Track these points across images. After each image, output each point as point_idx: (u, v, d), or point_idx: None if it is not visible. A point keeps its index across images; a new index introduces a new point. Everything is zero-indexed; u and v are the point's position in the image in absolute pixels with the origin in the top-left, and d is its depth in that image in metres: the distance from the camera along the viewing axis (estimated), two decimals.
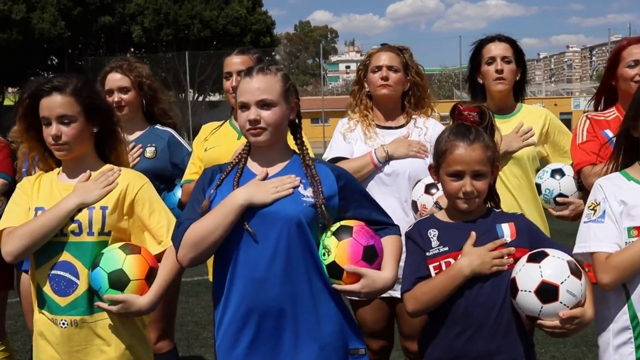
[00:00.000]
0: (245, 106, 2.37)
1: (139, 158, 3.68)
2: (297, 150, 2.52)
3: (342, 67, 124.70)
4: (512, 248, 2.35)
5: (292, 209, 2.35)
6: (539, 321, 2.27)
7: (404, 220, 3.15)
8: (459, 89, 65.44)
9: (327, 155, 3.43)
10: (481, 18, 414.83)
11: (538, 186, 3.37)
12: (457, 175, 2.35)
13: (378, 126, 3.47)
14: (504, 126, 3.47)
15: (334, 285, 2.40)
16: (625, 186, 2.40)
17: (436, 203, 3.14)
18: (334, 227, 2.41)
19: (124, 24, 53.55)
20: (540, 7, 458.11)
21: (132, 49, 58.45)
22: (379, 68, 3.39)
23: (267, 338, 2.33)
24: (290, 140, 2.56)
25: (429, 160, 3.35)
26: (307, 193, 2.39)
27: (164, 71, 56.76)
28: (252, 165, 2.49)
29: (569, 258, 2.33)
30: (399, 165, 3.32)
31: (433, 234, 2.42)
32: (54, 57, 53.87)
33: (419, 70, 3.56)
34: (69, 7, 50.49)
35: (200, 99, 55.47)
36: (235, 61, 3.54)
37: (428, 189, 3.22)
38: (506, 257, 2.34)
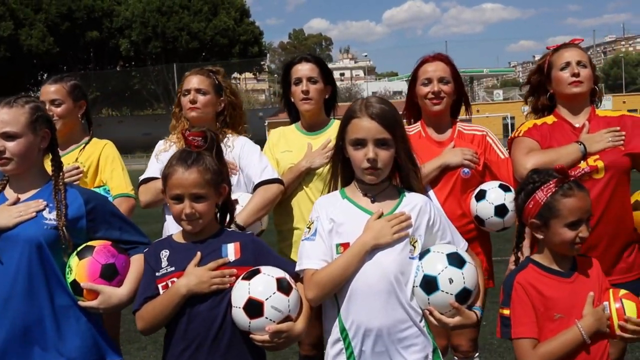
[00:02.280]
0: None
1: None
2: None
3: (336, 74, 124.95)
4: (234, 269, 2.43)
5: (32, 231, 2.49)
6: (250, 336, 2.38)
7: None
8: None
9: (141, 177, 3.56)
10: (478, 22, 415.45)
11: None
12: (178, 199, 2.45)
13: None
14: (315, 142, 3.62)
15: (79, 302, 2.57)
16: (337, 204, 2.49)
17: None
18: (80, 248, 2.58)
19: (112, 38, 53.93)
20: (537, 9, 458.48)
21: (122, 63, 58.83)
22: (188, 92, 3.54)
23: (17, 354, 2.50)
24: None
25: (238, 176, 3.51)
26: (51, 216, 2.53)
27: (154, 83, 57.15)
28: (8, 191, 2.67)
29: (281, 275, 2.41)
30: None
31: (165, 254, 2.51)
32: (43, 73, 54.25)
33: (234, 90, 3.70)
34: (57, 23, 50.88)
35: None
36: (49, 90, 3.65)
37: None
38: (228, 276, 2.42)
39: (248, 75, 71.62)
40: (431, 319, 2.42)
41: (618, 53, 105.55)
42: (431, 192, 3.33)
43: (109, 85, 56.83)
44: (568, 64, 3.23)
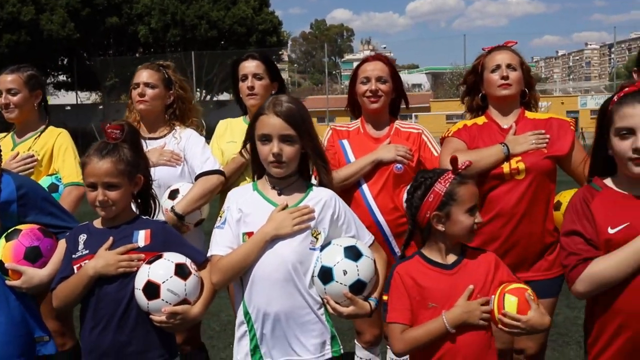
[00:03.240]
0: None
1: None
2: None
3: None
4: (142, 254, 2.61)
5: None
6: (150, 316, 2.56)
7: None
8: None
9: None
10: (502, 15, 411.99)
11: None
12: (92, 186, 2.63)
13: (142, 137, 3.78)
14: None
15: (6, 281, 2.76)
16: (247, 195, 2.66)
17: (172, 208, 3.45)
18: (9, 231, 2.77)
19: (131, 24, 54.20)
20: (563, 4, 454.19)
21: (141, 49, 59.14)
22: (137, 85, 3.70)
23: None
24: None
25: (183, 167, 3.67)
26: None
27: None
28: None
29: (181, 261, 2.58)
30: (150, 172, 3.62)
31: (82, 238, 2.69)
32: (63, 58, 54.75)
33: (183, 84, 3.86)
34: (77, 9, 51.20)
35: (208, 98, 55.91)
36: (6, 79, 3.83)
37: (171, 194, 3.53)
38: (135, 260, 2.60)
39: None
40: (328, 307, 2.56)
41: None
42: (365, 186, 3.46)
43: (127, 71, 57.10)
44: (498, 66, 3.33)
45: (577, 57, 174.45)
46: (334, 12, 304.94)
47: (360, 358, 3.73)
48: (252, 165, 2.74)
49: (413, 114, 44.92)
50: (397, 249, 3.47)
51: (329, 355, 2.60)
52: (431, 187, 2.52)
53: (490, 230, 3.24)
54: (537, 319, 2.36)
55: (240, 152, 2.77)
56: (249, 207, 2.62)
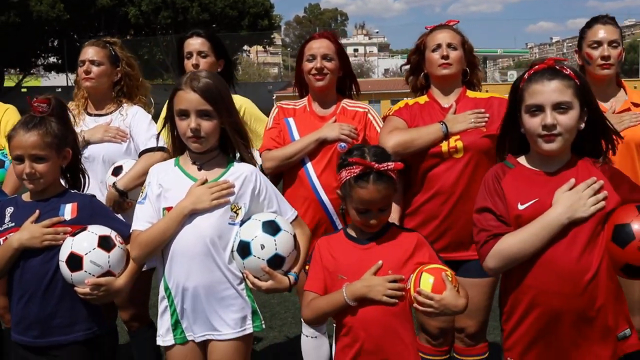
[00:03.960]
0: None
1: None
2: None
3: (350, 50, 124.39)
4: (68, 227, 2.62)
5: None
6: (74, 288, 2.58)
7: (101, 199, 3.47)
8: None
9: None
10: (497, 1, 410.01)
11: None
12: (19, 159, 2.62)
13: (89, 114, 3.79)
14: None
15: None
16: (169, 171, 2.67)
17: (114, 184, 3.46)
18: None
19: (122, 6, 53.81)
20: None
21: (132, 31, 58.76)
22: (83, 62, 3.69)
23: None
24: None
25: (128, 143, 3.68)
26: None
27: (163, 54, 57.16)
28: None
29: (105, 233, 2.60)
30: (95, 149, 3.61)
31: (9, 211, 2.70)
32: (53, 39, 54.40)
33: (131, 61, 3.85)
34: None
35: None
36: None
37: (115, 171, 3.53)
38: (62, 233, 2.61)
39: (259, 48, 71.44)
40: (247, 281, 2.59)
41: (636, 37, 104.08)
42: (309, 165, 3.47)
43: None
44: (439, 45, 3.32)
45: (571, 44, 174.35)
46: None
47: (307, 335, 3.76)
48: (172, 141, 2.74)
49: (405, 99, 44.72)
50: (340, 226, 3.49)
51: (250, 330, 2.62)
52: (342, 168, 2.51)
53: (429, 209, 3.25)
54: (450, 299, 2.34)
55: (159, 131, 2.77)
56: (169, 182, 2.63)
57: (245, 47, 65.60)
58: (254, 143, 3.77)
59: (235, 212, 2.59)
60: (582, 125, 2.33)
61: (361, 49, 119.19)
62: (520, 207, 2.29)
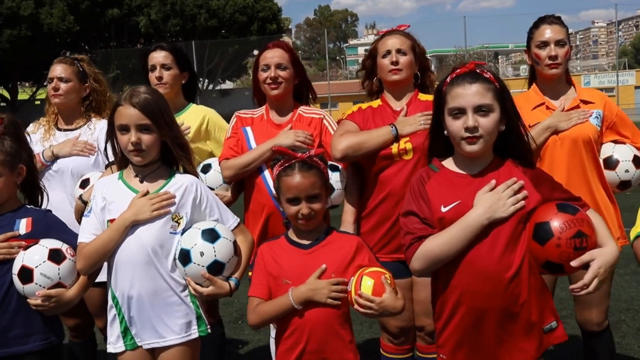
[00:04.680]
0: None
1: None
2: None
3: (361, 50, 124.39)
4: (23, 242, 2.73)
5: None
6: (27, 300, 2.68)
7: (70, 211, 3.58)
8: None
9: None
10: None
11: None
12: None
13: (59, 129, 3.91)
14: None
15: None
16: (112, 184, 2.77)
17: (80, 197, 3.56)
18: None
19: (132, 15, 54.27)
20: None
21: (142, 40, 59.24)
22: (52, 80, 3.81)
23: None
24: None
25: (97, 156, 3.79)
26: None
27: None
28: None
29: (57, 246, 2.70)
30: (63, 162, 3.74)
31: None
32: (65, 51, 54.98)
33: (98, 77, 3.97)
34: (77, 1, 51.28)
35: (211, 87, 55.99)
36: None
37: (82, 183, 3.63)
38: (16, 247, 2.71)
39: None
40: (190, 288, 2.68)
41: None
42: (266, 172, 3.54)
43: (129, 63, 57.25)
44: (389, 51, 3.39)
45: (583, 36, 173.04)
46: None
47: (274, 337, 3.84)
48: (115, 156, 2.84)
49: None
50: None
51: (195, 335, 2.72)
52: (274, 170, 2.64)
53: (382, 211, 3.32)
54: (389, 301, 2.44)
55: (105, 145, 2.86)
56: (113, 195, 2.73)
57: (255, 52, 65.85)
58: (216, 152, 3.87)
59: (176, 222, 2.69)
60: (503, 127, 2.38)
61: None
62: (443, 209, 2.36)
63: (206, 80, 53.41)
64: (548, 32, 3.41)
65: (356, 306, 2.49)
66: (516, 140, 2.41)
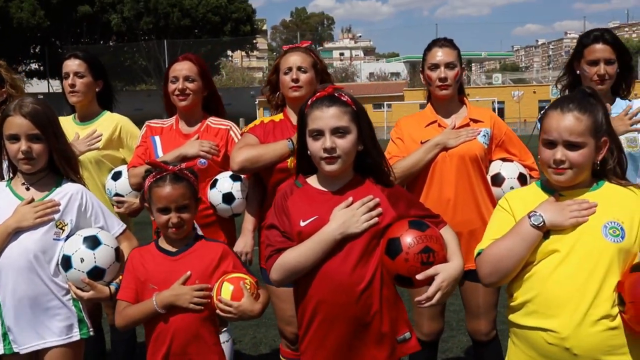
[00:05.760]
0: None
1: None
2: None
3: (336, 54, 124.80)
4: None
5: None
6: None
7: None
8: None
9: None
10: (485, 4, 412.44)
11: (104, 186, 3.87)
12: None
13: None
14: (83, 131, 3.97)
15: None
16: (0, 191, 2.87)
17: None
18: None
19: (104, 12, 53.85)
20: None
21: (114, 38, 58.83)
22: None
23: None
24: None
25: None
26: None
27: (145, 59, 57.27)
28: None
29: None
30: None
31: None
32: (35, 46, 54.42)
33: (15, 83, 4.03)
34: None
35: None
36: None
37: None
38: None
39: (243, 53, 71.47)
40: (72, 292, 2.80)
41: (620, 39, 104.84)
42: None
43: (101, 60, 56.77)
44: (290, 68, 3.53)
45: (557, 46, 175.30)
46: (317, 0, 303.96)
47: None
48: (10, 163, 2.95)
49: (385, 103, 45.24)
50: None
51: (77, 337, 2.85)
52: (145, 182, 2.77)
53: None
54: (247, 305, 2.61)
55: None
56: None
57: (229, 53, 65.78)
58: (129, 159, 3.98)
59: (60, 229, 2.81)
60: (361, 147, 2.53)
61: (347, 53, 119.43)
62: (302, 223, 2.49)
63: None
64: (439, 55, 3.56)
65: (217, 310, 2.65)
66: (372, 160, 2.56)
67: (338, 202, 2.50)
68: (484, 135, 3.53)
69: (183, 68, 3.74)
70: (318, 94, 2.53)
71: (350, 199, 2.49)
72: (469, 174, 3.49)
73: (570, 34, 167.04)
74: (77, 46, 53.69)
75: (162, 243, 2.79)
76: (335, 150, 2.45)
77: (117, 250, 2.85)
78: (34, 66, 55.58)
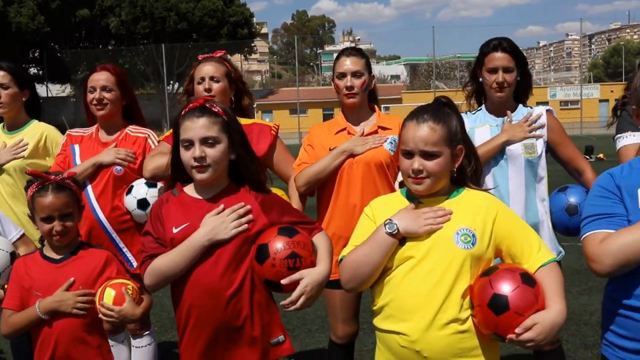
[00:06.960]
0: None
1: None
2: None
3: None
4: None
5: None
6: None
7: None
8: (440, 79, 65.48)
9: None
10: (487, 6, 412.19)
11: None
12: None
13: None
14: (10, 140, 4.06)
15: None
16: None
17: None
18: None
19: (103, 16, 54.01)
20: None
21: (113, 41, 58.97)
22: None
23: None
24: None
25: None
26: None
27: (143, 63, 57.42)
28: None
29: None
30: None
31: None
32: (34, 50, 54.61)
33: None
34: (47, 1, 50.94)
35: (181, 90, 55.67)
36: None
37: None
38: None
39: (239, 57, 71.70)
40: None
41: (620, 41, 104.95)
42: (89, 187, 3.75)
43: (99, 64, 56.87)
44: (203, 78, 3.63)
45: (558, 48, 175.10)
46: (319, 3, 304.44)
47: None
48: None
49: (383, 106, 45.11)
50: (121, 244, 3.78)
51: None
52: (27, 192, 2.87)
53: None
54: (128, 310, 2.72)
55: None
56: None
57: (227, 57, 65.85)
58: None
59: None
60: (233, 157, 2.61)
61: None
62: (174, 230, 2.57)
63: (177, 84, 53.30)
64: (346, 64, 3.63)
65: (100, 315, 2.74)
66: (244, 169, 2.63)
67: (210, 210, 2.57)
68: (391, 143, 3.60)
69: (100, 78, 3.83)
70: (190, 105, 2.61)
71: (222, 206, 2.57)
72: (374, 180, 3.56)
73: (571, 35, 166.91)
74: (76, 50, 54.00)
75: (47, 251, 2.88)
76: (205, 159, 2.52)
77: (13, 255, 2.94)
78: (33, 70, 55.72)
